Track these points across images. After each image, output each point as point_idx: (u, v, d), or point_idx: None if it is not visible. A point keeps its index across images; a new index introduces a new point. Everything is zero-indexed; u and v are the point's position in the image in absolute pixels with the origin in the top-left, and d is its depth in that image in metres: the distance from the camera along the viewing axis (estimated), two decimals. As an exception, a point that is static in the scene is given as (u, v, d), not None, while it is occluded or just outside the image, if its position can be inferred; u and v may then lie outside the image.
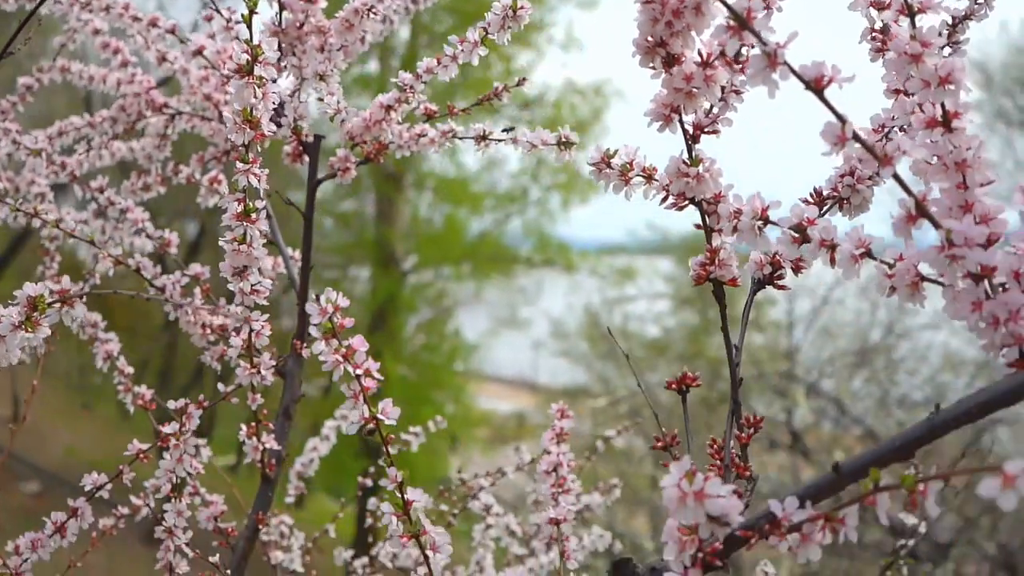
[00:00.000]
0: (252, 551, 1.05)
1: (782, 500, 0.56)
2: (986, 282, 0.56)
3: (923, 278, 0.58)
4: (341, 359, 0.65)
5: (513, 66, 11.71)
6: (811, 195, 0.73)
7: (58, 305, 0.71)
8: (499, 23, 0.92)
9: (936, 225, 0.54)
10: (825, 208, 0.72)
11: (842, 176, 0.72)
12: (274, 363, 0.95)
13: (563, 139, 0.90)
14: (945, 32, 0.76)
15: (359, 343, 0.66)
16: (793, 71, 0.53)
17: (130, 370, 1.15)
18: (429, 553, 0.69)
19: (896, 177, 0.54)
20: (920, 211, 0.55)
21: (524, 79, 1.06)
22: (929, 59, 0.56)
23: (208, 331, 1.07)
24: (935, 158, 0.58)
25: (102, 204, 1.19)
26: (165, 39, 1.18)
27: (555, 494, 0.99)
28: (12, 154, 1.23)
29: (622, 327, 10.31)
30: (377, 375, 0.66)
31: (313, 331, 0.65)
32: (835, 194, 0.72)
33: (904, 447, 0.53)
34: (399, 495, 0.69)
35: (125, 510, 1.18)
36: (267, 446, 1.01)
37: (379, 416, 0.67)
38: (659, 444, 0.64)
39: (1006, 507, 0.42)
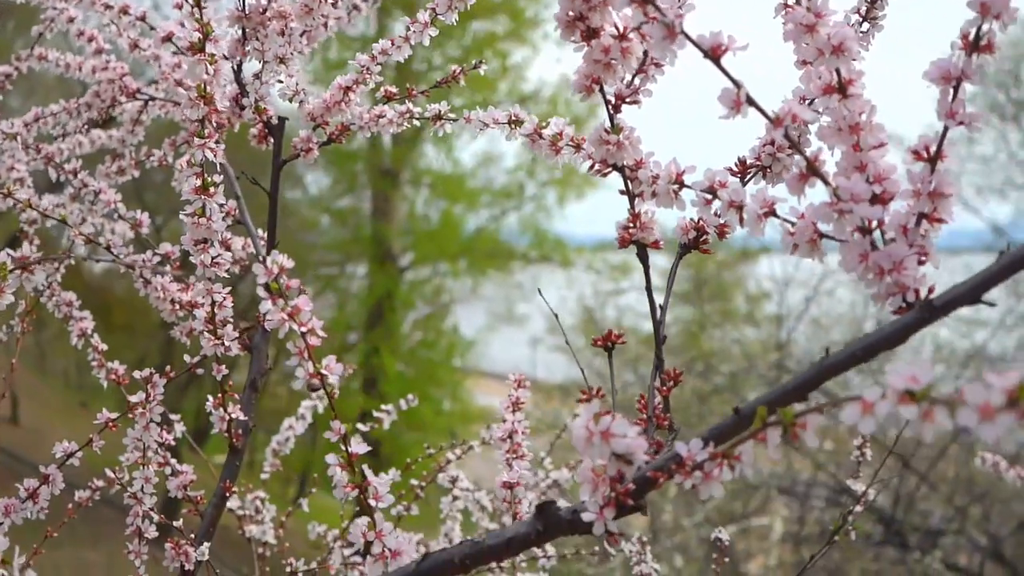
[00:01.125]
0: (219, 518, 1.09)
1: (688, 442, 0.60)
2: (878, 235, 0.60)
3: (821, 235, 0.62)
4: (287, 317, 0.69)
5: (509, 62, 11.77)
6: (735, 164, 0.77)
7: (18, 272, 0.75)
8: (447, 3, 0.96)
9: (826, 182, 0.58)
10: (748, 176, 0.76)
11: (764, 145, 0.76)
12: (237, 334, 0.99)
13: (513, 118, 0.93)
14: (864, 8, 0.80)
15: (304, 303, 0.70)
16: (691, 40, 0.57)
17: (104, 347, 1.19)
18: (372, 502, 0.73)
19: (787, 138, 0.58)
20: (811, 170, 0.59)
21: (480, 62, 1.10)
22: (822, 29, 0.60)
23: (177, 307, 1.11)
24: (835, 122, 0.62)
25: (76, 187, 1.23)
26: (136, 26, 1.21)
27: (509, 459, 1.04)
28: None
29: (617, 321, 10.36)
30: (321, 333, 0.70)
31: (260, 291, 0.69)
32: (758, 163, 0.76)
33: (797, 389, 0.57)
34: (343, 448, 0.73)
35: (100, 482, 1.21)
36: (233, 417, 1.05)
37: (323, 372, 0.71)
38: (584, 398, 0.68)
39: (864, 431, 0.46)
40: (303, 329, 0.70)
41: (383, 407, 1.53)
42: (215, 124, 0.82)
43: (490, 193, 12.08)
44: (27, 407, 9.97)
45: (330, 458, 0.73)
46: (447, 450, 1.48)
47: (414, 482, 1.45)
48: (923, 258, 0.58)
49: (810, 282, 7.58)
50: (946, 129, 0.59)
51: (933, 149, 0.59)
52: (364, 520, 0.73)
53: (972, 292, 0.54)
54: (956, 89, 0.59)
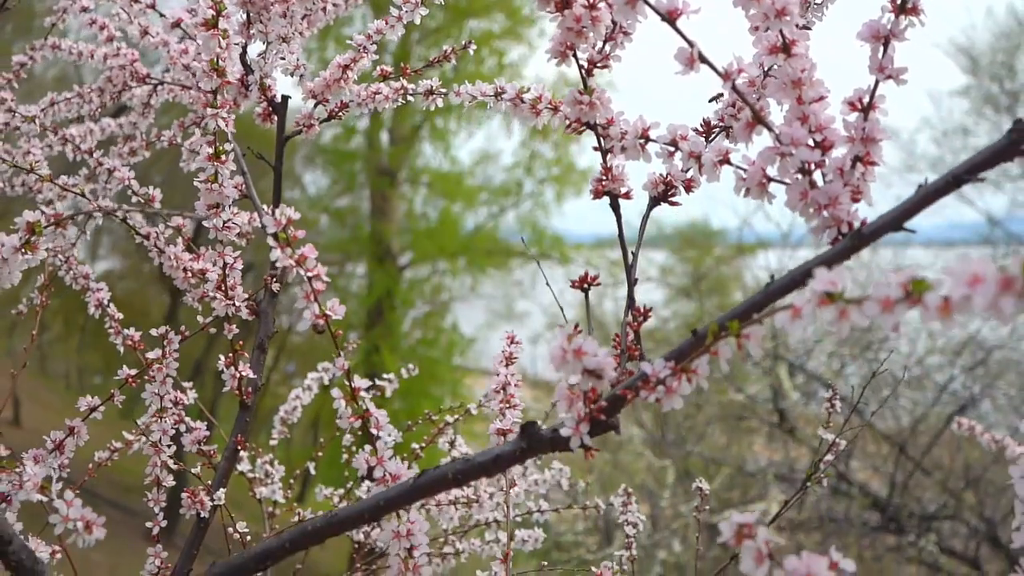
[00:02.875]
0: (231, 471, 1.17)
1: (652, 362, 0.67)
2: (819, 176, 0.68)
3: (769, 178, 0.69)
4: (295, 264, 0.77)
5: (505, 60, 11.85)
6: (700, 124, 0.84)
7: (53, 228, 0.83)
8: (437, -16, 1.04)
9: (770, 129, 0.66)
10: (713, 135, 0.84)
11: (727, 107, 0.83)
12: (247, 295, 1.07)
13: (498, 91, 1.01)
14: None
15: (309, 251, 0.78)
16: (651, 6, 0.65)
17: (120, 316, 1.27)
18: (374, 431, 0.80)
19: (735, 90, 0.66)
20: (757, 119, 0.66)
21: (470, 42, 1.17)
22: (767, -4, 0.67)
23: (189, 275, 1.19)
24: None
25: (92, 166, 1.30)
26: (146, 14, 1.29)
27: (503, 408, 1.11)
28: (8, 123, 1.34)
29: (616, 314, 10.43)
30: (326, 278, 0.78)
31: (269, 240, 0.76)
32: (721, 123, 0.84)
33: (747, 311, 0.65)
34: (347, 383, 0.80)
35: (118, 444, 1.29)
36: (244, 375, 1.13)
37: (328, 312, 0.78)
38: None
39: (794, 335, 0.54)
40: (310, 274, 0.77)
41: (385, 375, 1.61)
42: (241, 95, 0.89)
43: (488, 191, 12.17)
44: (29, 409, 10.05)
45: (335, 392, 0.80)
46: (446, 413, 1.56)
47: (415, 445, 1.53)
48: (857, 196, 0.66)
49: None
50: (877, 82, 0.67)
51: (866, 100, 0.67)
52: (367, 448, 0.81)
53: (895, 221, 0.61)
54: (885, 46, 0.66)
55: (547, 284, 1.19)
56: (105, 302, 1.29)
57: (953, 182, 0.60)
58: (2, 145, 1.37)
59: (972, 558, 6.17)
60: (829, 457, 1.25)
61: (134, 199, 1.27)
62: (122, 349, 1.24)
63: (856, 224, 0.65)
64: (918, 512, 6.28)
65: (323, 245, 12.09)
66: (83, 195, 1.13)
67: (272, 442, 1.63)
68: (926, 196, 0.60)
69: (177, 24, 1.24)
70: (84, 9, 1.36)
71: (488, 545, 1.41)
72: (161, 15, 1.27)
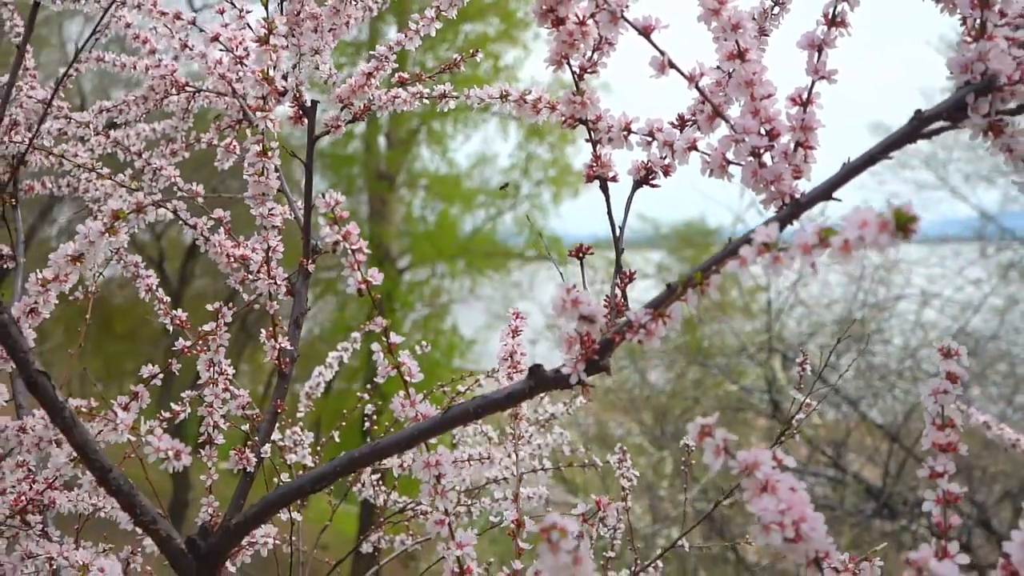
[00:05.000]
0: (272, 432, 1.32)
1: (635, 311, 0.83)
2: (768, 158, 0.83)
3: (728, 161, 0.85)
4: (341, 239, 0.93)
5: (501, 63, 12.02)
6: (676, 119, 1.00)
7: (135, 214, 0.98)
8: (449, 0, 1.20)
9: (727, 121, 0.82)
10: (686, 127, 1.00)
11: (697, 104, 0.99)
12: (287, 276, 1.23)
13: (503, 93, 1.17)
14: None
15: (354, 227, 0.93)
16: (629, 22, 0.81)
17: (168, 299, 1.42)
18: (407, 379, 0.96)
19: (699, 90, 0.82)
20: (716, 113, 0.82)
21: (477, 50, 1.33)
22: (724, 12, 0.83)
23: (231, 260, 1.34)
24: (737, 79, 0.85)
25: (140, 166, 1.46)
26: (187, 29, 1.44)
27: (510, 374, 1.27)
28: (62, 129, 1.50)
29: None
30: (367, 251, 0.94)
31: (321, 220, 0.92)
32: (693, 117, 0.99)
33: (708, 267, 0.81)
34: (385, 339, 0.96)
35: (167, 414, 1.44)
36: (282, 346, 1.29)
37: (369, 279, 0.94)
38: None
39: (744, 283, 0.69)
40: (353, 247, 0.93)
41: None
42: (274, 100, 1.05)
43: (485, 193, 12.33)
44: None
45: (375, 346, 0.96)
46: (457, 383, 1.72)
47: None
48: (798, 174, 0.82)
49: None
50: (813, 82, 0.82)
51: (805, 97, 0.83)
52: (401, 394, 0.97)
53: (825, 192, 0.77)
54: (819, 52, 0.82)
55: (560, 273, 1.34)
56: (154, 287, 1.44)
57: (869, 160, 0.75)
58: (60, 149, 1.52)
59: (964, 543, 6.33)
60: (800, 416, 1.40)
61: (179, 194, 1.43)
62: (171, 328, 1.40)
63: (797, 196, 0.81)
64: (912, 500, 6.44)
65: (322, 249, 12.22)
66: (139, 189, 1.29)
67: (299, 414, 1.78)
68: (849, 171, 0.76)
69: (216, 38, 1.39)
70: (128, 25, 1.51)
71: (497, 503, 1.56)
72: (201, 30, 1.43)
